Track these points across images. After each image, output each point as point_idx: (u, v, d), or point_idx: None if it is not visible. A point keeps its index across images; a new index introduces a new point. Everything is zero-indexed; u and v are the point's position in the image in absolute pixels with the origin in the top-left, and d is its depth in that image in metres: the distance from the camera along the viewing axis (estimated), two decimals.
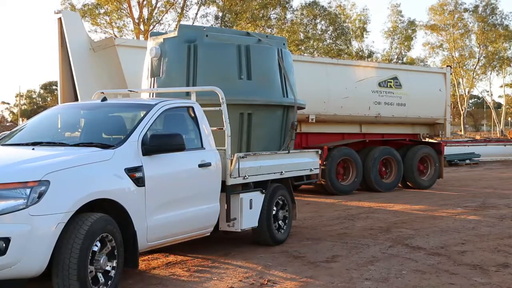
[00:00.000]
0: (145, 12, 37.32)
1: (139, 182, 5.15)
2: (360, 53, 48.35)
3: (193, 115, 6.33)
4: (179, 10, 38.46)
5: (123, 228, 4.97)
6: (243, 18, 38.25)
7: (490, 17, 51.23)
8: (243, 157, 6.65)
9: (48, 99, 70.46)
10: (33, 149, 5.27)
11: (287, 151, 7.75)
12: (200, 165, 6.00)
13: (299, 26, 42.61)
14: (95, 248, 4.63)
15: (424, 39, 67.36)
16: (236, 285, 5.38)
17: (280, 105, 8.11)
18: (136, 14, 36.85)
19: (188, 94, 7.27)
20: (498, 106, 74.95)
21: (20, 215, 4.22)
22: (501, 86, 67.21)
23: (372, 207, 11.24)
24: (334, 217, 9.78)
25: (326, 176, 13.19)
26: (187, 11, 40.97)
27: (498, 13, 51.39)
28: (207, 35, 7.86)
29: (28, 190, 4.28)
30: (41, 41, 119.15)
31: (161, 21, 38.28)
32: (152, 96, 7.84)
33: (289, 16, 42.23)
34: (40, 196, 4.31)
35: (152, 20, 37.45)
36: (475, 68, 53.71)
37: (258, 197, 6.99)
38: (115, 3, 35.93)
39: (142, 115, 5.77)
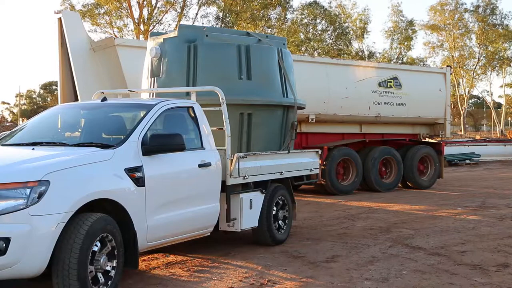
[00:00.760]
0: (145, 12, 37.38)
1: (139, 182, 5.15)
2: (361, 53, 48.34)
3: (193, 115, 6.33)
4: (179, 10, 38.50)
5: (123, 228, 4.97)
6: (243, 18, 38.27)
7: (490, 17, 51.23)
8: (243, 157, 6.65)
9: (48, 99, 70.47)
10: (33, 149, 5.27)
11: (287, 151, 7.75)
12: (200, 165, 6.00)
13: (299, 26, 42.62)
14: (95, 248, 4.63)
15: (424, 39, 67.43)
16: (236, 285, 5.38)
17: (280, 105, 8.11)
18: (136, 14, 36.90)
19: (188, 94, 7.27)
20: (498, 106, 74.95)
21: (20, 215, 4.22)
22: (501, 86, 67.22)
23: (372, 207, 11.24)
24: (334, 217, 9.78)
25: (326, 176, 13.19)
26: (187, 11, 41.12)
27: (498, 13, 51.43)
28: (207, 35, 7.86)
29: (28, 190, 4.28)
30: (41, 41, 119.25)
31: (161, 21, 38.34)
32: (152, 96, 7.84)
33: (289, 16, 42.28)
34: (40, 196, 4.31)
35: (152, 20, 37.49)
36: (475, 68, 53.72)
37: (258, 197, 6.99)
38: (115, 3, 35.95)
39: (142, 115, 5.77)
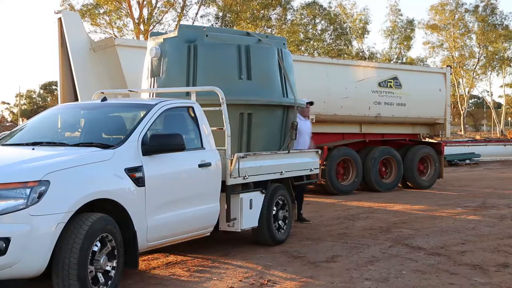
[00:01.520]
0: (145, 12, 37.36)
1: (139, 182, 5.15)
2: (361, 53, 48.33)
3: (193, 115, 6.33)
4: (179, 10, 38.49)
5: (123, 228, 4.97)
6: (243, 18, 38.26)
7: (490, 17, 51.24)
8: (243, 157, 6.65)
9: (48, 99, 70.46)
10: (33, 149, 5.27)
11: (287, 151, 7.75)
12: (200, 165, 6.00)
13: (299, 26, 42.61)
14: (95, 248, 4.63)
15: (424, 38, 67.39)
16: (236, 285, 5.38)
17: (280, 105, 8.10)
18: (136, 14, 36.89)
19: (188, 94, 7.27)
20: (498, 106, 74.94)
21: (20, 215, 4.22)
22: (501, 86, 67.14)
23: (372, 207, 11.24)
24: (334, 217, 9.78)
25: (326, 176, 13.19)
26: (187, 11, 41.08)
27: (498, 13, 51.45)
28: (207, 35, 7.85)
29: (28, 190, 4.28)
30: (41, 41, 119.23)
31: (161, 21, 38.33)
32: (152, 96, 7.83)
33: (289, 16, 42.27)
34: (40, 196, 4.31)
35: (152, 20, 37.48)
36: (475, 68, 53.72)
37: (258, 197, 6.99)
38: (114, 3, 35.94)
39: (142, 115, 5.77)
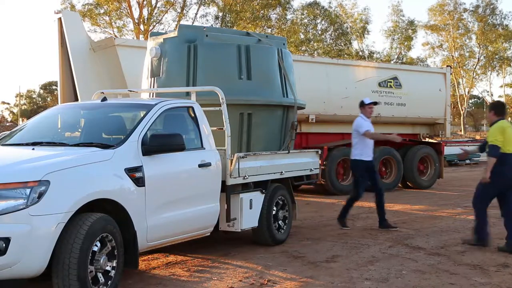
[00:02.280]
0: (145, 12, 37.36)
1: (139, 182, 5.15)
2: (361, 53, 48.34)
3: (193, 115, 6.33)
4: (179, 10, 38.49)
5: (123, 228, 4.97)
6: (244, 18, 38.26)
7: (490, 17, 51.22)
8: (243, 157, 6.65)
9: (48, 99, 70.43)
10: (33, 149, 5.27)
11: (287, 151, 7.75)
12: (200, 165, 6.00)
13: (299, 26, 42.61)
14: (95, 248, 4.63)
15: (424, 39, 67.41)
16: (236, 285, 5.38)
17: (280, 105, 8.10)
18: (136, 14, 36.89)
19: (188, 94, 7.27)
20: None
21: (20, 215, 4.22)
22: (501, 86, 67.10)
23: (372, 207, 11.20)
24: (334, 217, 9.76)
25: (326, 176, 13.19)
26: (187, 11, 41.06)
27: (498, 13, 51.43)
28: (207, 35, 7.85)
29: (28, 190, 4.28)
30: (41, 41, 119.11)
31: (161, 21, 38.33)
32: (152, 96, 7.84)
33: (289, 16, 42.26)
34: (40, 196, 4.31)
35: (152, 20, 37.48)
36: (475, 68, 53.71)
37: (258, 197, 6.99)
38: (114, 3, 35.94)
39: (142, 115, 5.77)
